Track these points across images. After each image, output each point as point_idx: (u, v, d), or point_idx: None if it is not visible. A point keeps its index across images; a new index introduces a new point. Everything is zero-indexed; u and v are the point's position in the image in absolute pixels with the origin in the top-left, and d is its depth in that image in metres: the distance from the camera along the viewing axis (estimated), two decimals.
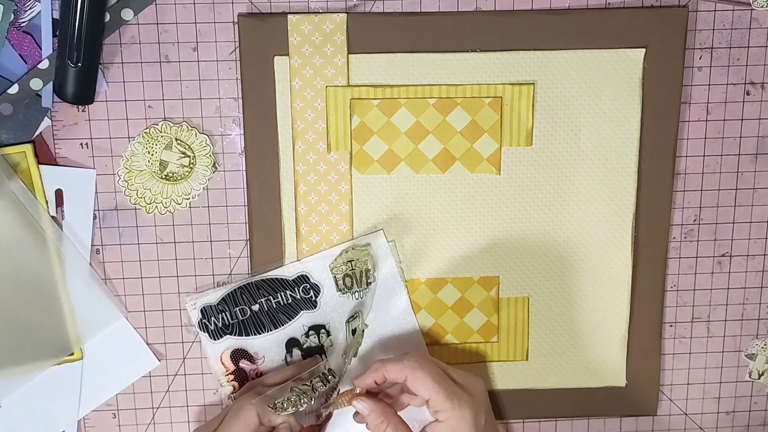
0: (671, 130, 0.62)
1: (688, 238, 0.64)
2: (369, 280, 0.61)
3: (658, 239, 0.64)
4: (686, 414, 0.68)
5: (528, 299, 0.64)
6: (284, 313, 0.62)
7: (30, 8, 0.57)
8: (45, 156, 0.60)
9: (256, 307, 0.62)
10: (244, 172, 0.61)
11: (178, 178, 0.61)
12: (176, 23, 0.59)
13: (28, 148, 0.59)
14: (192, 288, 0.63)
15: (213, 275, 0.63)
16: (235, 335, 0.62)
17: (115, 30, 0.58)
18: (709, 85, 0.62)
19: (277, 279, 0.62)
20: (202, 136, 0.60)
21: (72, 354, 0.62)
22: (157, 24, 0.59)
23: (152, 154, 0.60)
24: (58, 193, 0.60)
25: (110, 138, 0.60)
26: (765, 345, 0.67)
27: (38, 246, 0.60)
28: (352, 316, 0.62)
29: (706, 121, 0.63)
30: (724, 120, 0.63)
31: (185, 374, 0.64)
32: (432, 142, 0.61)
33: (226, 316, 0.62)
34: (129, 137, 0.60)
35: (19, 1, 0.57)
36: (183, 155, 0.60)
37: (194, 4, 0.58)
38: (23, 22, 0.58)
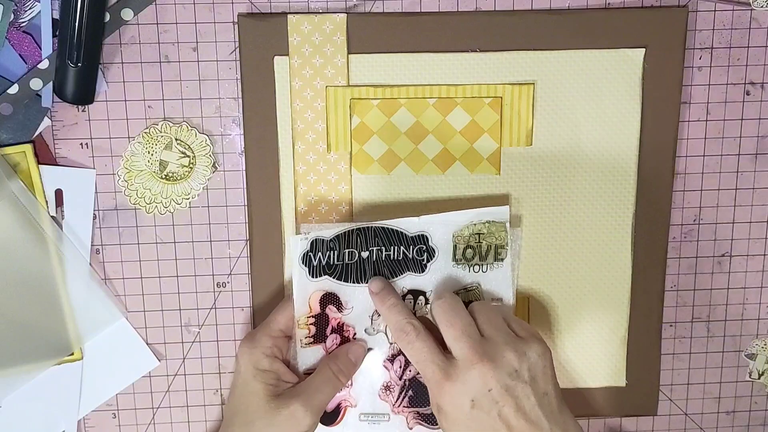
0: (671, 130, 0.62)
1: (688, 238, 0.64)
2: (501, 257, 0.60)
3: (658, 239, 0.64)
4: (686, 414, 0.68)
5: (528, 299, 0.64)
6: (390, 268, 0.60)
7: (30, 8, 0.57)
8: (45, 156, 0.60)
9: (365, 254, 0.60)
10: (244, 172, 0.61)
11: (178, 178, 0.61)
12: (176, 23, 0.59)
13: (28, 148, 0.59)
14: (192, 288, 0.63)
15: (213, 275, 0.63)
16: (334, 278, 0.60)
17: (115, 30, 0.58)
18: (709, 85, 0.62)
19: (397, 231, 0.60)
20: (202, 136, 0.60)
21: (72, 354, 0.62)
22: (157, 24, 0.59)
23: (152, 154, 0.60)
24: (58, 193, 0.60)
25: (110, 138, 0.60)
26: (765, 345, 0.67)
27: (38, 246, 0.60)
28: (467, 289, 0.60)
29: (706, 121, 0.63)
30: (724, 120, 0.63)
31: (185, 374, 0.64)
32: (432, 142, 0.61)
33: (333, 255, 0.60)
34: (129, 137, 0.60)
35: (19, 1, 0.57)
36: (183, 155, 0.60)
37: (194, 4, 0.59)
38: (23, 22, 0.58)
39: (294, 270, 0.60)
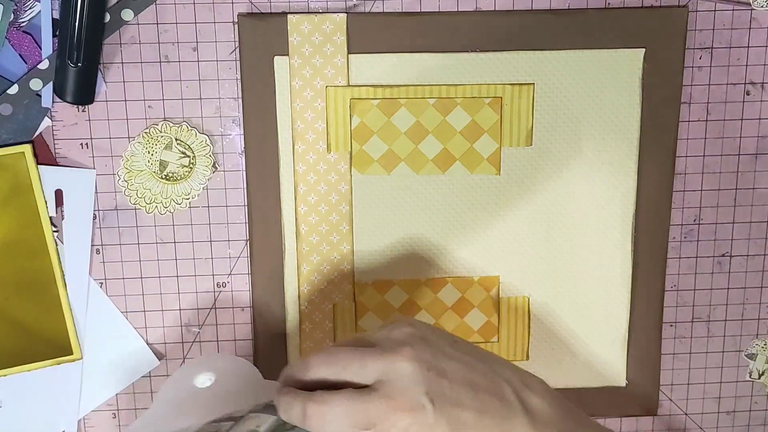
0: (671, 130, 0.62)
1: (688, 238, 0.64)
2: None
3: (658, 239, 0.64)
4: (686, 414, 0.68)
5: (528, 299, 0.64)
6: None
7: (30, 8, 0.57)
8: (45, 156, 0.60)
9: None
10: (244, 172, 0.61)
11: (178, 178, 0.61)
12: (176, 23, 0.59)
13: (27, 149, 0.59)
14: (192, 288, 0.63)
15: (213, 275, 0.63)
16: None
17: (115, 30, 0.58)
18: (709, 85, 0.62)
19: None
20: (202, 136, 0.60)
21: (72, 354, 0.62)
22: (157, 24, 0.59)
23: (152, 154, 0.60)
24: (58, 193, 0.60)
25: (110, 138, 0.60)
26: (765, 345, 0.67)
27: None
28: None
29: (706, 121, 0.63)
30: (724, 120, 0.63)
31: None
32: (432, 142, 0.61)
33: None
34: (129, 137, 0.60)
35: (19, 1, 0.57)
36: (183, 155, 0.60)
37: (194, 4, 0.58)
38: (23, 22, 0.58)
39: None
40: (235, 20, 0.59)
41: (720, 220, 0.64)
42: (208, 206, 0.62)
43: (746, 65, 0.62)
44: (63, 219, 0.61)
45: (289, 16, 0.58)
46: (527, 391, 0.47)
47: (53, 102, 0.59)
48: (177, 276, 0.62)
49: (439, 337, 0.48)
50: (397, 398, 0.44)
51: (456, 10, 0.59)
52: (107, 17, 0.58)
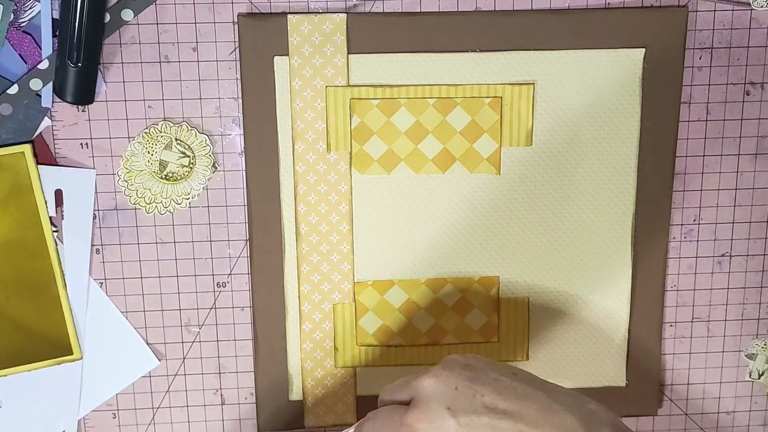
0: (671, 130, 0.62)
1: (688, 238, 0.64)
2: None
3: (658, 239, 0.64)
4: (686, 414, 0.68)
5: (528, 299, 0.64)
6: None
7: (30, 8, 0.57)
8: (45, 156, 0.60)
9: None
10: (244, 172, 0.61)
11: (178, 178, 0.61)
12: (176, 23, 0.59)
13: (27, 148, 0.59)
14: (192, 288, 0.63)
15: (213, 275, 0.63)
16: None
17: (115, 30, 0.58)
18: (709, 85, 0.62)
19: None
20: (202, 136, 0.60)
21: (72, 354, 0.62)
22: (157, 24, 0.59)
23: (152, 154, 0.60)
24: (58, 193, 0.60)
25: (110, 138, 0.60)
26: (765, 345, 0.67)
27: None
28: None
29: (706, 121, 0.63)
30: (724, 120, 0.63)
31: (185, 374, 0.64)
32: (432, 142, 0.61)
33: None
34: (129, 137, 0.60)
35: (19, 1, 0.57)
36: (183, 155, 0.60)
37: (194, 4, 0.59)
38: (23, 22, 0.58)
39: None
40: (235, 20, 0.59)
41: (720, 220, 0.64)
42: (208, 206, 0.62)
43: (746, 65, 0.62)
44: (63, 219, 0.61)
45: (289, 16, 0.58)
46: (596, 424, 0.49)
47: (53, 102, 0.59)
48: (177, 276, 0.62)
49: (489, 366, 0.51)
50: (414, 410, 0.50)
51: (456, 10, 0.60)
52: (107, 17, 0.58)
